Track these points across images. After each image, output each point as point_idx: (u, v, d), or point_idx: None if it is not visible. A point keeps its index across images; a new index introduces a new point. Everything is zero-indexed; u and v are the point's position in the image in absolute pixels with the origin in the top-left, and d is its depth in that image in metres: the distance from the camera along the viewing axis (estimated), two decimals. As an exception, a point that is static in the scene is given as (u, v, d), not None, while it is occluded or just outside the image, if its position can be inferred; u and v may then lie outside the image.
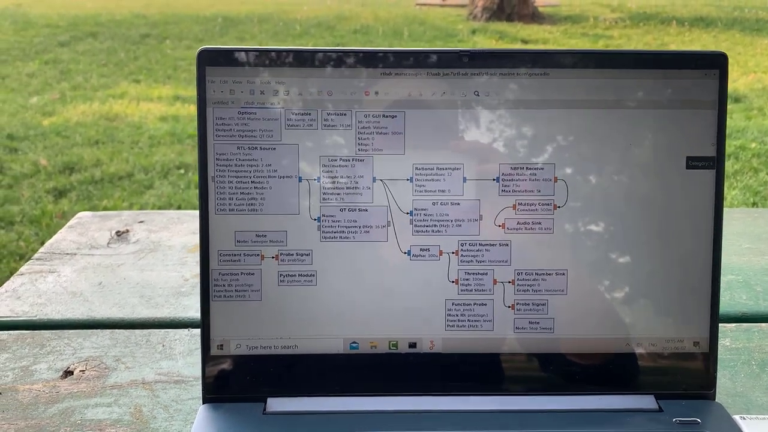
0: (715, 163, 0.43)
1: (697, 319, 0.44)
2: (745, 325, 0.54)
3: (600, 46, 6.32)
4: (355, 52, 0.42)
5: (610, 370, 0.44)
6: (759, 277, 0.62)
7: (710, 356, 0.43)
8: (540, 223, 0.43)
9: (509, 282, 0.43)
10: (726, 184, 3.07)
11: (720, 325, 0.54)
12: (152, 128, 3.30)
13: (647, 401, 0.43)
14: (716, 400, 0.44)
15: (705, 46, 6.30)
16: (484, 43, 6.47)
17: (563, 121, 0.43)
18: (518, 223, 0.43)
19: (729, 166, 3.20)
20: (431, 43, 6.50)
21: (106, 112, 3.58)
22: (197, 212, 0.42)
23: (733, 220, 0.75)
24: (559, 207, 0.43)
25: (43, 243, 1.15)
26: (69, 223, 0.73)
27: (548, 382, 0.44)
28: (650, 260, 0.43)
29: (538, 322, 0.43)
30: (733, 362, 0.50)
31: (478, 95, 0.43)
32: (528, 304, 0.43)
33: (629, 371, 0.44)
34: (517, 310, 0.43)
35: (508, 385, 0.43)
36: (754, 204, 2.76)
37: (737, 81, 4.98)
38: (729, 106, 4.74)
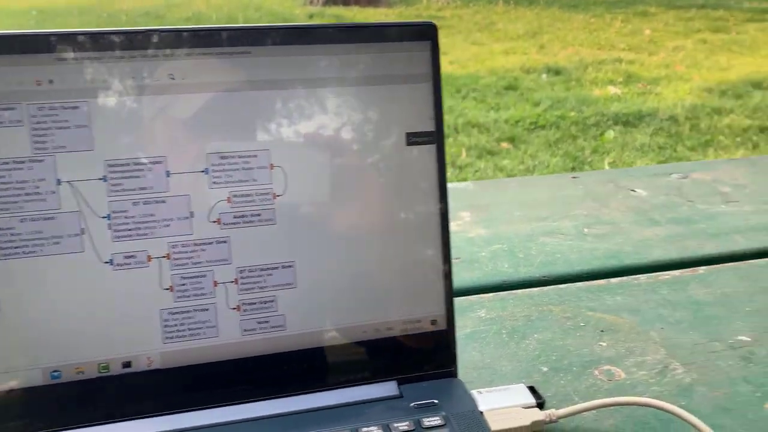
0: (435, 136, 0.42)
1: (433, 297, 0.43)
2: (502, 293, 0.55)
3: (435, 27, 6.51)
4: (22, 36, 0.36)
5: (350, 361, 0.42)
6: (523, 244, 0.64)
7: (448, 333, 0.43)
8: (259, 215, 0.40)
9: (231, 282, 0.40)
10: (548, 152, 3.28)
11: (478, 296, 0.54)
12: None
13: (389, 388, 0.41)
14: (460, 377, 0.44)
15: (529, 22, 6.72)
16: (323, 27, 6.42)
17: (273, 102, 0.39)
18: (235, 216, 0.39)
19: (551, 135, 3.44)
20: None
21: None
22: None
23: (508, 189, 0.77)
24: (278, 196, 0.40)
25: None
26: None
27: (286, 383, 0.41)
28: (379, 242, 0.41)
29: (267, 321, 0.40)
30: (485, 333, 0.50)
31: (173, 79, 0.38)
32: (254, 303, 0.40)
33: (370, 359, 0.42)
34: (243, 311, 0.40)
35: (239, 393, 0.40)
36: (573, 168, 2.98)
37: (558, 55, 5.35)
38: (550, 79, 5.04)
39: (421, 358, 0.43)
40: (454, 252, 0.63)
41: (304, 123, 0.40)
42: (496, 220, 0.69)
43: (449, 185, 0.80)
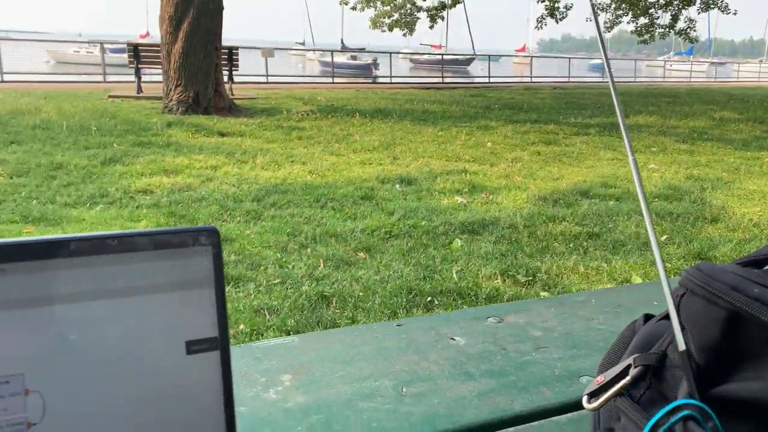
0: (218, 342, 0.41)
1: None
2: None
3: (294, 137, 6.69)
4: None
5: None
6: (341, 413, 0.62)
7: None
8: (9, 449, 0.35)
9: None
10: (401, 261, 3.37)
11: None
12: None
13: None
14: None
15: (384, 134, 7.09)
16: (180, 135, 6.36)
17: (29, 321, 0.36)
18: (-21, 454, 0.35)
19: (404, 244, 3.56)
20: (122, 137, 6.17)
21: None
22: None
23: (332, 343, 0.77)
24: (34, 425, 0.36)
25: None
26: None
27: None
28: (155, 464, 0.38)
29: None
30: None
31: None
32: None
33: None
34: None
35: None
36: (425, 278, 3.08)
37: (410, 166, 5.65)
38: (403, 189, 5.27)
39: None
40: (269, 428, 0.60)
41: (70, 341, 0.37)
42: (316, 383, 0.68)
43: (273, 341, 0.78)
